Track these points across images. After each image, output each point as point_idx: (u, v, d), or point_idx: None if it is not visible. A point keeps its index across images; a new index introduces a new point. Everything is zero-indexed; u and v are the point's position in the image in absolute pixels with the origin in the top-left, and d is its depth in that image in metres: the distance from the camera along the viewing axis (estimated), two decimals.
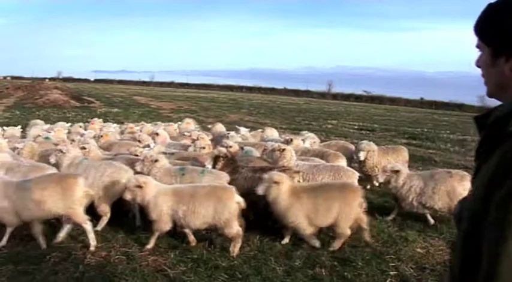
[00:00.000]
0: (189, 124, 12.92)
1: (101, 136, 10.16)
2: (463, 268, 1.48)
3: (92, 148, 8.02)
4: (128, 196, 6.06)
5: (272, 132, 12.10)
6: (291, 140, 9.48)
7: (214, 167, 7.11)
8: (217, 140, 10.03)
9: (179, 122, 13.77)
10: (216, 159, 7.11)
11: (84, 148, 7.80)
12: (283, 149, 7.63)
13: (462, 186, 7.16)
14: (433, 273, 5.68)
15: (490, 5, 1.46)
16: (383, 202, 8.78)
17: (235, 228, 5.95)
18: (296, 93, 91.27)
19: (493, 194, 1.34)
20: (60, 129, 10.97)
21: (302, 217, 6.15)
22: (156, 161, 6.92)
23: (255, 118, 27.16)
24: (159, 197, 5.99)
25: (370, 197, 8.60)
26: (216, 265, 5.61)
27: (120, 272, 5.34)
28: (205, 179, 6.73)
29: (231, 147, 7.84)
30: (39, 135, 9.89)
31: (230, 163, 7.15)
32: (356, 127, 25.25)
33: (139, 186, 5.98)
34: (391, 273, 5.61)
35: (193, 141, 9.53)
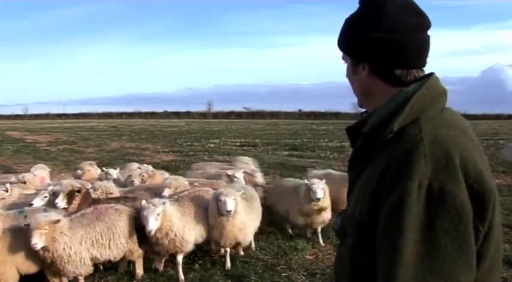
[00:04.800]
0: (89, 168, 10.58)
1: None
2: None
3: None
4: None
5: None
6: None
7: (69, 204, 6.04)
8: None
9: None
10: (70, 195, 6.05)
11: None
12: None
13: None
14: None
15: (346, 20, 1.58)
16: None
17: None
18: (177, 115, 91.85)
19: (379, 204, 1.32)
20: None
21: None
22: None
23: (137, 144, 26.46)
24: None
25: None
26: None
27: None
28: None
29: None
30: None
31: (88, 197, 6.25)
32: (238, 144, 25.67)
33: None
34: None
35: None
